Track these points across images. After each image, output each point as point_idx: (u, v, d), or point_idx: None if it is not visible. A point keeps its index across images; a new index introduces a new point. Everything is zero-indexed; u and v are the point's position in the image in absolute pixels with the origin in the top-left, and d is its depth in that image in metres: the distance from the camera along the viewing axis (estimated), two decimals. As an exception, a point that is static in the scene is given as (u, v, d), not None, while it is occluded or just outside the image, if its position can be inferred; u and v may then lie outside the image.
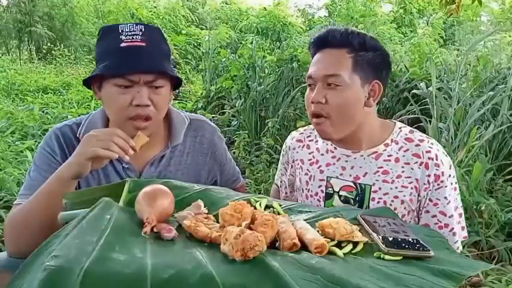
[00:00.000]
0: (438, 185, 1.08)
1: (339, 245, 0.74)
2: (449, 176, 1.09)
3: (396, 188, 1.07)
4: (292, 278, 0.59)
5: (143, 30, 1.04)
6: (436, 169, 1.07)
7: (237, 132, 4.22)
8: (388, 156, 1.10)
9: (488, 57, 4.26)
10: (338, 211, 0.90)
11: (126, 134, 1.01)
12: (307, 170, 1.21)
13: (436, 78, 3.98)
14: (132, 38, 1.02)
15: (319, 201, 1.16)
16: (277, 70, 4.61)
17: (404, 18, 14.59)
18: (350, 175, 1.12)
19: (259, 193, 3.05)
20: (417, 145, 1.09)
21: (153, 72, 1.03)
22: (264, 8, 14.42)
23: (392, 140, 1.12)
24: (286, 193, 1.36)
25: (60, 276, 0.53)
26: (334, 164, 1.16)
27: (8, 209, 2.60)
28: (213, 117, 4.77)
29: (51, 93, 6.97)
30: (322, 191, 1.16)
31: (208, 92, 5.19)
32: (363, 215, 0.86)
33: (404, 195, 1.07)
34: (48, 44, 12.01)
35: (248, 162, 3.92)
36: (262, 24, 13.16)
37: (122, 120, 1.05)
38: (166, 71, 1.05)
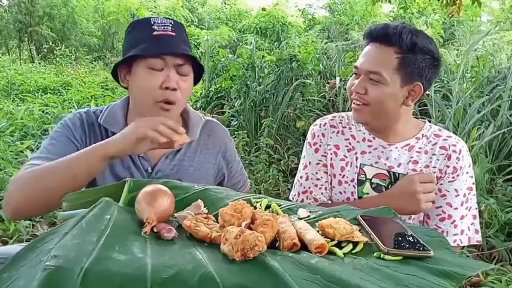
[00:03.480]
0: (453, 177, 1.15)
1: (339, 245, 0.74)
2: (466, 173, 1.16)
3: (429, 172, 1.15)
4: (292, 278, 0.59)
5: (172, 23, 1.12)
6: (456, 162, 1.15)
7: (236, 132, 4.21)
8: (419, 148, 1.18)
9: (488, 57, 4.26)
10: (338, 211, 0.90)
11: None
12: (344, 156, 1.25)
13: (436, 78, 3.97)
14: (164, 28, 1.10)
15: (355, 187, 1.21)
16: (276, 70, 4.60)
17: (404, 18, 14.58)
18: (385, 164, 1.19)
19: (259, 193, 3.05)
20: (445, 139, 1.18)
21: (184, 56, 1.10)
22: (263, 8, 14.42)
23: (423, 134, 1.20)
24: (329, 195, 1.29)
25: (60, 276, 0.53)
26: (370, 152, 1.22)
27: (7, 209, 2.60)
28: (212, 117, 4.75)
29: (51, 93, 6.96)
30: (354, 178, 1.22)
31: (207, 92, 5.18)
32: (363, 215, 0.86)
33: None
34: (49, 44, 12.01)
35: (248, 162, 3.91)
36: (261, 25, 13.15)
37: (149, 103, 1.09)
38: (194, 57, 1.12)
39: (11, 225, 2.35)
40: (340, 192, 1.24)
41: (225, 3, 16.55)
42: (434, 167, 1.16)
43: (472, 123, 2.96)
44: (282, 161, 3.76)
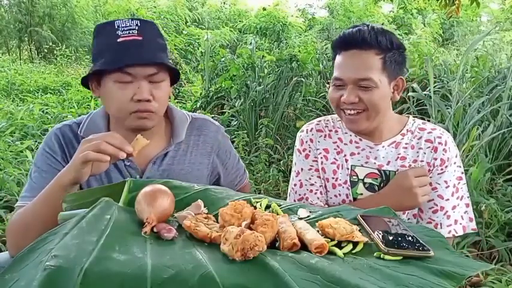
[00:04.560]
0: (442, 169, 1.16)
1: (339, 245, 0.74)
2: (454, 163, 1.16)
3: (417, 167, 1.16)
4: (292, 278, 0.59)
5: (139, 24, 1.04)
6: (443, 154, 1.15)
7: (236, 132, 4.21)
8: (406, 144, 1.20)
9: (487, 57, 4.26)
10: (338, 211, 0.90)
11: (130, 127, 1.03)
12: (334, 159, 1.25)
13: (436, 78, 3.98)
14: (129, 33, 1.02)
15: (348, 189, 1.22)
16: (276, 70, 4.60)
17: (404, 18, 14.59)
18: (374, 163, 1.20)
19: (259, 193, 3.05)
20: (429, 132, 1.19)
21: (152, 65, 1.03)
22: (264, 8, 14.42)
23: (407, 130, 1.21)
24: (325, 199, 1.29)
25: (60, 276, 0.53)
26: (358, 153, 1.22)
27: (8, 209, 2.60)
28: (212, 117, 4.76)
29: (51, 93, 6.96)
30: (346, 179, 1.22)
31: (207, 92, 5.18)
32: (363, 215, 0.86)
33: None
34: (49, 44, 12.01)
35: (247, 162, 3.91)
36: (261, 25, 13.15)
37: (123, 115, 1.05)
38: (165, 63, 1.05)
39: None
40: (335, 195, 1.24)
41: (224, 3, 16.55)
42: (422, 161, 1.17)
43: (471, 123, 2.96)
44: (281, 161, 3.76)
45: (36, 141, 3.74)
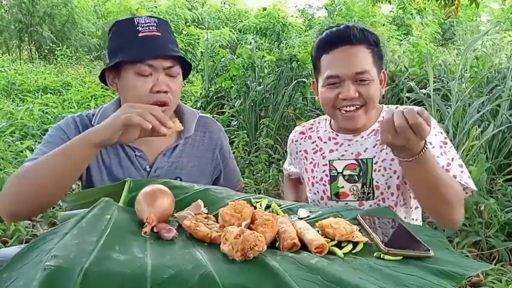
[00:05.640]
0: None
1: (339, 245, 0.74)
2: (434, 128, 1.13)
3: (390, 151, 1.12)
4: (292, 278, 0.59)
5: (157, 22, 1.10)
6: None
7: (236, 132, 4.21)
8: None
9: (487, 57, 4.26)
10: (338, 211, 0.90)
11: None
12: (312, 158, 1.29)
13: (436, 78, 3.98)
14: (149, 29, 1.08)
15: (325, 185, 1.22)
16: (276, 70, 4.60)
17: (403, 18, 14.59)
18: (352, 153, 1.20)
19: (259, 193, 3.05)
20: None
21: (171, 58, 1.09)
22: (264, 8, 14.42)
23: (383, 117, 1.18)
24: (289, 175, 1.49)
25: (60, 276, 0.53)
26: (337, 149, 1.23)
27: (7, 209, 2.60)
28: (212, 117, 4.75)
29: (51, 93, 6.97)
30: (326, 175, 1.22)
31: (207, 92, 5.18)
32: (363, 215, 0.86)
33: None
34: (49, 44, 12.02)
35: (247, 162, 3.92)
36: (261, 25, 13.16)
37: None
38: (180, 57, 1.12)
39: (11, 226, 2.36)
40: (314, 193, 1.26)
41: (224, 3, 16.55)
42: None
43: (471, 123, 2.96)
44: (281, 161, 3.76)
45: (36, 141, 3.74)
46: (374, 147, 1.18)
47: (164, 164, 1.17)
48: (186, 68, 1.20)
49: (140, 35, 1.07)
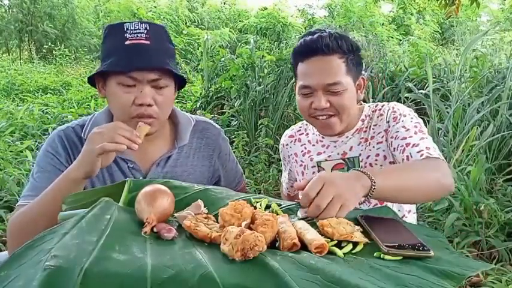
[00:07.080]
0: (396, 122, 1.18)
1: (339, 245, 0.74)
2: (408, 114, 1.19)
3: (374, 147, 1.20)
4: (292, 278, 0.59)
5: (148, 28, 1.04)
6: (393, 114, 1.20)
7: (236, 132, 4.21)
8: (366, 128, 1.25)
9: (487, 57, 4.26)
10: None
11: None
12: (301, 161, 1.33)
13: (436, 78, 3.98)
14: (137, 36, 1.02)
15: None
16: (276, 70, 4.60)
17: (403, 18, 14.58)
18: (338, 153, 1.24)
19: (259, 193, 3.05)
20: (380, 109, 1.26)
21: (156, 70, 1.03)
22: (265, 7, 14.42)
23: (366, 115, 1.27)
24: (287, 188, 1.49)
25: (60, 276, 0.53)
26: (324, 151, 1.27)
27: (8, 209, 2.60)
28: (212, 117, 4.76)
29: (51, 93, 6.97)
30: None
31: (207, 92, 5.18)
32: (363, 215, 0.86)
33: (383, 150, 1.19)
34: (49, 44, 12.01)
35: (247, 162, 3.91)
36: (261, 25, 13.15)
37: (125, 119, 1.05)
38: (169, 69, 1.05)
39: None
40: None
41: (224, 3, 16.54)
42: (379, 133, 1.20)
43: (471, 123, 2.96)
44: (281, 161, 3.76)
45: (36, 141, 3.74)
46: (359, 145, 1.22)
47: (158, 175, 1.13)
48: (181, 77, 1.12)
49: (127, 42, 1.02)
